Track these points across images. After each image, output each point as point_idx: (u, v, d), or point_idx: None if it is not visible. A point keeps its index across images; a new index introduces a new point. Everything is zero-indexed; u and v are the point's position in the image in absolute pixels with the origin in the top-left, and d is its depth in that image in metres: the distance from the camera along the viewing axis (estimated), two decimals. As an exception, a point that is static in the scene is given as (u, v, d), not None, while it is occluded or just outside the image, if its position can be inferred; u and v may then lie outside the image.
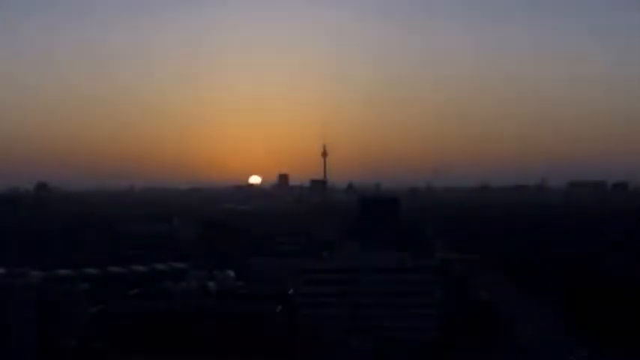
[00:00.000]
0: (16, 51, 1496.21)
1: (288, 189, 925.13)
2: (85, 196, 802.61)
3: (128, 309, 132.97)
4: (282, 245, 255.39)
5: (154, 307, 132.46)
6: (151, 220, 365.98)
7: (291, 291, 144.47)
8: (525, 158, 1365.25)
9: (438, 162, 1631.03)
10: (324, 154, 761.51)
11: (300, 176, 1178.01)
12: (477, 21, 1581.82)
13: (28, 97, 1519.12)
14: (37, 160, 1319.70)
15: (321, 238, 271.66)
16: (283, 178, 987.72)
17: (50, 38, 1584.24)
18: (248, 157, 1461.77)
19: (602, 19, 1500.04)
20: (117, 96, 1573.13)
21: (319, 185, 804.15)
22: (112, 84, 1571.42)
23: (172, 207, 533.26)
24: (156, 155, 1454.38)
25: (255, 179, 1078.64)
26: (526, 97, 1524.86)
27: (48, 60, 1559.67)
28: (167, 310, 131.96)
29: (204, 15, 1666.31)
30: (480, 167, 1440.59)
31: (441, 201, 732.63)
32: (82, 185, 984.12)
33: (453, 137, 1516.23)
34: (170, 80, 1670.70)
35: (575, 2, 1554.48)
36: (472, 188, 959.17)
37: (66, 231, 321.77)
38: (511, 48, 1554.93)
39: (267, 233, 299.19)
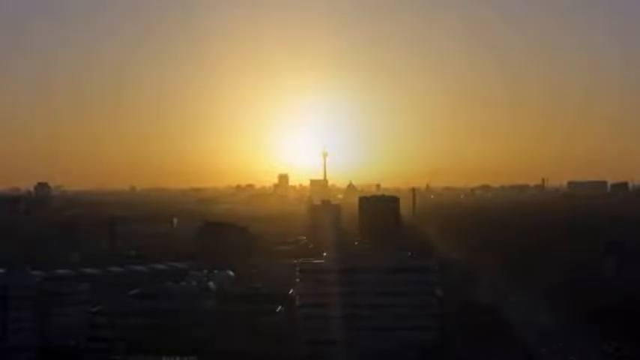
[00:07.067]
0: (16, 51, 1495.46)
1: (288, 189, 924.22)
2: (85, 196, 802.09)
3: (128, 309, 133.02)
4: (283, 245, 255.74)
5: (154, 307, 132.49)
6: (151, 220, 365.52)
7: (291, 291, 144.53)
8: (525, 158, 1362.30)
9: (437, 162, 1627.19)
10: (324, 154, 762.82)
11: (300, 176, 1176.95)
12: (478, 21, 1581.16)
13: (27, 97, 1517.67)
14: (37, 160, 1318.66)
15: (321, 237, 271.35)
16: (283, 178, 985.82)
17: (51, 38, 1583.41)
18: (248, 157, 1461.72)
19: (603, 17, 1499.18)
20: (117, 96, 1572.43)
21: (319, 185, 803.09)
22: (112, 84, 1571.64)
23: (172, 207, 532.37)
24: (156, 156, 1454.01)
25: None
26: (526, 97, 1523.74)
27: (49, 59, 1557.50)
28: (167, 310, 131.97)
29: (205, 15, 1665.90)
30: (479, 167, 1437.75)
31: (441, 201, 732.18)
32: (83, 185, 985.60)
33: (452, 137, 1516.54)
34: (170, 80, 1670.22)
35: (577, 2, 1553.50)
36: (472, 188, 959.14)
37: (66, 231, 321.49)
38: (511, 48, 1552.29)
39: (268, 233, 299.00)
